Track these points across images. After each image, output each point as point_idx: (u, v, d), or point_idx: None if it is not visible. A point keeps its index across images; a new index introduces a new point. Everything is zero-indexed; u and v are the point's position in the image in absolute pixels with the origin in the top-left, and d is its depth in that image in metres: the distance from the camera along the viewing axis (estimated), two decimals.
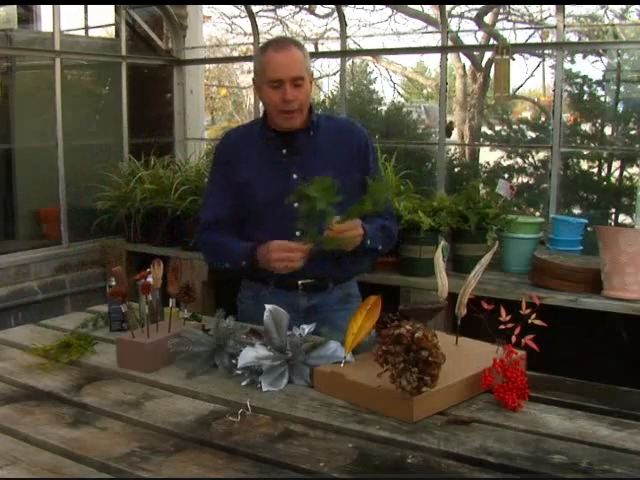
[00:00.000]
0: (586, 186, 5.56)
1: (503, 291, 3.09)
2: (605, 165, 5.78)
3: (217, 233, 2.13)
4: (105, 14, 5.22)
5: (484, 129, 7.75)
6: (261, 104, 2.19)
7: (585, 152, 5.80)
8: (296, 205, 2.06)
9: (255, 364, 1.59)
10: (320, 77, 9.61)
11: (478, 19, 7.57)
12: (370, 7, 8.41)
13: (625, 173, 5.65)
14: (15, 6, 5.09)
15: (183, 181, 4.09)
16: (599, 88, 6.03)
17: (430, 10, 7.35)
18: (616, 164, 5.69)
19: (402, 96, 10.29)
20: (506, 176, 5.91)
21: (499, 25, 8.07)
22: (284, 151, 2.10)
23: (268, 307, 1.66)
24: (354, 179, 2.12)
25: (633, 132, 5.76)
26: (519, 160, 6.15)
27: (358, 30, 8.71)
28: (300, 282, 2.10)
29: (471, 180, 4.67)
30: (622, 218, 5.40)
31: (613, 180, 5.71)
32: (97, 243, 4.44)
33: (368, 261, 2.80)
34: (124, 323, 1.97)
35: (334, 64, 8.67)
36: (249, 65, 7.76)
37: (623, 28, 6.28)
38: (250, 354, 1.60)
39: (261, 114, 2.22)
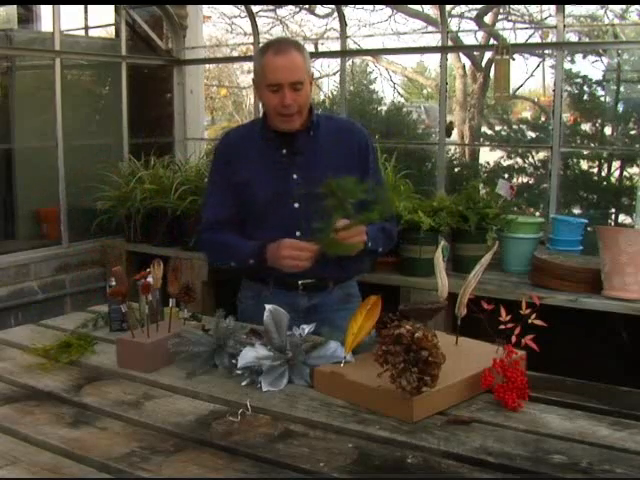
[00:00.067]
0: (586, 186, 5.57)
1: (503, 291, 3.09)
2: (605, 165, 5.78)
3: (219, 233, 2.13)
4: (105, 14, 5.21)
5: (484, 129, 7.75)
6: (261, 104, 2.19)
7: (585, 152, 5.80)
8: (296, 205, 2.08)
9: (255, 364, 1.59)
10: (320, 77, 9.62)
11: (478, 19, 7.57)
12: (370, 7, 8.42)
13: (625, 173, 5.65)
14: (15, 6, 5.09)
15: (183, 181, 4.09)
16: (599, 88, 6.03)
17: (430, 10, 7.35)
18: (616, 164, 5.69)
19: (402, 96, 10.29)
20: (506, 176, 5.91)
21: (499, 25, 8.08)
22: (284, 151, 2.10)
23: (268, 307, 1.66)
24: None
25: (633, 132, 5.76)
26: (519, 160, 6.15)
27: (358, 30, 8.73)
28: (300, 282, 2.10)
29: (471, 180, 4.67)
30: (622, 218, 5.40)
31: (613, 180, 5.71)
32: (97, 243, 4.45)
33: (368, 261, 2.81)
34: (124, 323, 1.97)
35: (334, 64, 8.69)
36: (249, 65, 7.76)
37: (623, 28, 6.28)
38: (250, 354, 1.60)
39: (261, 114, 2.22)
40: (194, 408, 1.49)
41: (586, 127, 5.99)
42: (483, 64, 7.95)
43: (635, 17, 6.72)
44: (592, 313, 2.94)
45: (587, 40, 6.30)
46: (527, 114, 9.06)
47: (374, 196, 1.84)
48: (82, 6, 5.31)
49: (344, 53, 4.47)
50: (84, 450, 1.28)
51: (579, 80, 5.88)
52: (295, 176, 2.08)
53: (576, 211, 5.42)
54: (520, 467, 1.21)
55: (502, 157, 6.33)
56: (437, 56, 4.23)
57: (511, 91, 4.71)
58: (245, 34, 9.47)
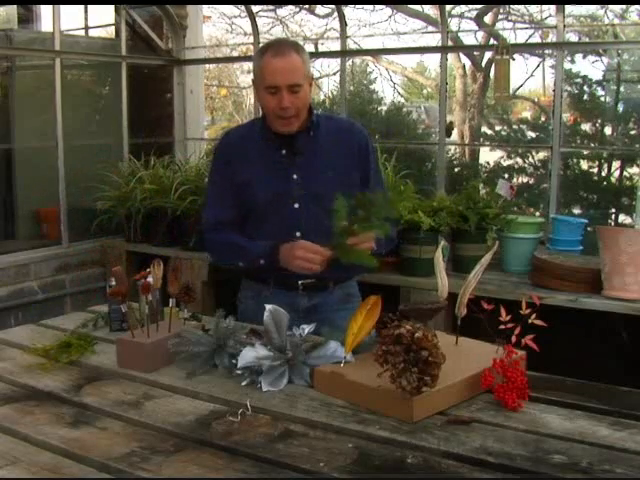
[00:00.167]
0: (586, 186, 5.57)
1: (503, 291, 3.09)
2: (605, 165, 5.78)
3: (224, 233, 2.12)
4: (105, 14, 5.21)
5: (484, 129, 7.76)
6: (260, 105, 2.18)
7: (585, 152, 5.80)
8: (296, 206, 2.08)
9: (255, 364, 1.59)
10: (320, 77, 9.62)
11: (478, 19, 7.58)
12: (370, 7, 8.42)
13: (625, 173, 5.66)
14: (15, 6, 5.09)
15: (183, 181, 4.09)
16: (599, 88, 6.03)
17: (430, 10, 7.35)
18: (616, 164, 5.70)
19: (402, 96, 10.30)
20: (506, 176, 5.92)
21: (499, 25, 8.08)
22: (284, 151, 2.10)
23: (268, 307, 1.66)
24: (354, 179, 2.12)
25: (633, 132, 5.77)
26: (519, 160, 6.15)
27: (358, 30, 8.72)
28: (300, 282, 2.10)
29: (471, 180, 4.67)
30: (622, 218, 5.40)
31: (613, 180, 5.72)
32: (97, 243, 4.44)
33: None
34: (124, 323, 1.97)
35: (334, 64, 8.69)
36: (249, 65, 7.75)
37: (623, 28, 6.29)
38: (250, 354, 1.60)
39: (260, 113, 2.22)
40: (194, 408, 1.49)
41: (586, 127, 6.00)
42: (483, 64, 7.95)
43: (635, 17, 6.72)
44: (592, 313, 2.94)
45: (587, 40, 6.30)
46: (527, 114, 9.07)
47: (382, 203, 1.83)
48: (82, 6, 5.31)
49: (344, 53, 4.47)
50: (84, 450, 1.28)
51: (579, 80, 5.88)
52: (295, 176, 2.08)
53: (576, 211, 5.42)
54: (520, 467, 1.21)
55: (502, 157, 6.34)
56: (437, 56, 4.23)
57: (511, 91, 4.71)
58: (245, 34, 9.48)
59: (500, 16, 8.01)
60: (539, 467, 1.21)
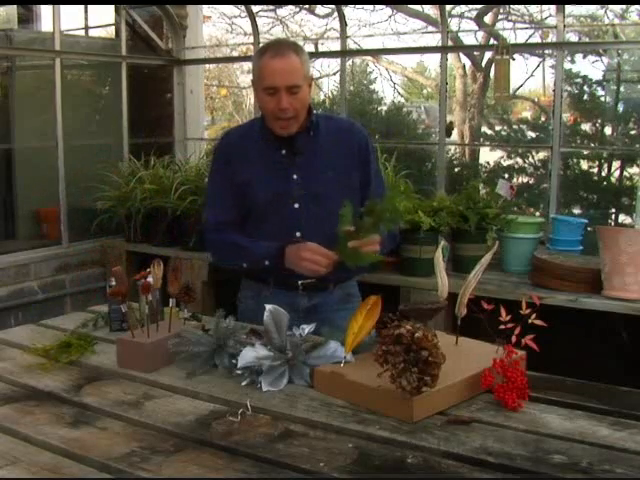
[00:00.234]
0: (586, 186, 5.57)
1: (503, 291, 3.09)
2: (605, 165, 5.78)
3: (225, 233, 2.11)
4: (105, 14, 5.22)
5: (484, 129, 7.76)
6: (259, 106, 2.18)
7: (585, 152, 5.80)
8: (296, 206, 2.08)
9: (255, 364, 1.59)
10: (320, 77, 9.63)
11: (478, 19, 7.58)
12: (370, 7, 8.42)
13: (625, 173, 5.66)
14: (15, 6, 5.09)
15: (183, 181, 4.09)
16: (599, 88, 6.03)
17: (430, 10, 7.35)
18: (616, 164, 5.70)
19: (402, 96, 10.30)
20: (506, 176, 5.92)
21: (499, 25, 8.08)
22: (284, 151, 2.10)
23: (268, 307, 1.66)
24: (354, 179, 2.12)
25: (633, 132, 5.77)
26: (519, 160, 6.15)
27: (358, 30, 8.72)
28: (300, 282, 2.10)
29: (471, 180, 4.67)
30: (622, 218, 5.40)
31: (613, 180, 5.72)
32: (97, 243, 4.45)
33: None
34: (124, 323, 1.97)
35: (334, 64, 8.70)
36: (249, 65, 7.75)
37: (623, 28, 6.29)
38: (250, 354, 1.60)
39: (260, 113, 2.21)
40: (194, 408, 1.49)
41: (586, 127, 6.00)
42: (483, 64, 7.95)
43: (635, 17, 6.72)
44: (592, 313, 2.94)
45: (587, 40, 6.30)
46: (527, 114, 9.07)
47: (384, 204, 1.84)
48: (82, 6, 5.31)
49: (344, 53, 4.47)
50: (84, 450, 1.28)
51: (579, 80, 5.89)
52: (295, 176, 2.08)
53: (576, 211, 5.42)
54: (520, 467, 1.21)
55: (502, 157, 6.34)
56: (437, 56, 4.23)
57: (511, 91, 4.71)
58: (245, 34, 9.48)
59: (500, 16, 8.01)
60: (539, 467, 1.21)
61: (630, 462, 1.22)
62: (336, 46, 4.58)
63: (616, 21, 6.97)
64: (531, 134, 6.48)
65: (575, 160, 5.60)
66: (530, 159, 6.13)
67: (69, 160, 4.29)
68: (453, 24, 7.53)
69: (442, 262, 1.77)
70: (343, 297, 2.19)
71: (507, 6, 7.66)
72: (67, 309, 4.11)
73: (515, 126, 6.71)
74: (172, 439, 1.34)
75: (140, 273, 1.86)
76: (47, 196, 4.43)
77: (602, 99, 6.10)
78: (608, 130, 5.99)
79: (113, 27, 5.16)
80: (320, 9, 8.66)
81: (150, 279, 1.81)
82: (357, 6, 7.81)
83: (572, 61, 5.91)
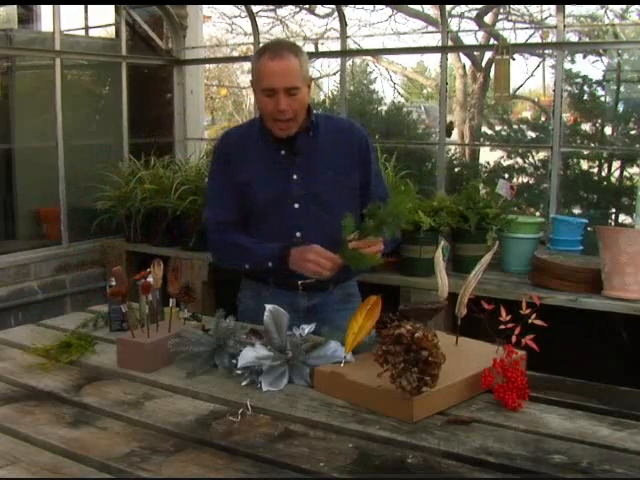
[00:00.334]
0: (586, 186, 5.57)
1: (503, 291, 3.09)
2: (605, 165, 5.78)
3: (227, 234, 2.11)
4: (105, 14, 5.22)
5: (484, 129, 7.76)
6: (257, 107, 2.18)
7: (585, 152, 5.80)
8: (296, 206, 2.08)
9: (255, 364, 1.59)
10: (320, 77, 9.62)
11: (478, 19, 7.58)
12: (370, 7, 8.41)
13: (625, 173, 5.66)
14: (15, 6, 5.09)
15: (183, 181, 4.09)
16: (599, 88, 6.03)
17: (430, 10, 7.35)
18: (616, 164, 5.70)
19: (402, 96, 10.30)
20: (506, 176, 5.91)
21: (499, 25, 8.08)
22: (283, 152, 2.09)
23: (268, 307, 1.66)
24: (354, 179, 2.12)
25: (633, 132, 5.77)
26: (519, 160, 6.15)
27: (358, 30, 8.73)
28: (300, 282, 2.10)
29: (471, 180, 4.67)
30: (622, 218, 5.40)
31: (613, 180, 5.72)
32: (97, 243, 4.45)
33: None
34: (124, 323, 1.97)
35: (334, 64, 8.69)
36: (249, 65, 7.75)
37: (623, 28, 6.29)
38: (250, 354, 1.60)
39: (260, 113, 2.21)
40: (194, 408, 1.49)
41: (586, 127, 6.00)
42: (483, 64, 7.95)
43: (635, 17, 6.72)
44: (592, 313, 2.94)
45: (587, 40, 6.30)
46: (527, 114, 9.07)
47: (388, 208, 1.83)
48: (82, 6, 5.32)
49: (344, 53, 4.47)
50: (84, 450, 1.28)
51: (579, 80, 5.88)
52: (295, 176, 2.08)
53: (576, 211, 5.42)
54: (520, 467, 1.21)
55: (502, 157, 6.33)
56: (437, 56, 4.23)
57: (511, 91, 4.71)
58: (245, 34, 9.47)
59: (500, 16, 8.01)
60: (539, 467, 1.21)
61: (630, 462, 1.22)
62: (336, 46, 4.58)
63: (616, 21, 6.97)
64: (531, 134, 6.47)
65: (575, 160, 5.60)
66: (530, 159, 6.12)
67: (69, 160, 4.29)
68: (453, 24, 7.54)
69: (442, 262, 1.77)
70: (343, 297, 2.19)
71: (507, 6, 7.66)
72: (67, 309, 4.11)
73: (515, 126, 6.71)
74: (172, 439, 1.34)
75: (140, 273, 1.86)
76: (47, 196, 4.44)
77: (602, 99, 6.10)
78: (608, 130, 5.99)
79: (113, 27, 5.16)
80: (320, 9, 8.66)
81: (150, 279, 1.81)
82: (357, 6, 7.81)
83: (572, 61, 5.91)
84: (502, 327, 1.58)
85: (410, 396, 1.38)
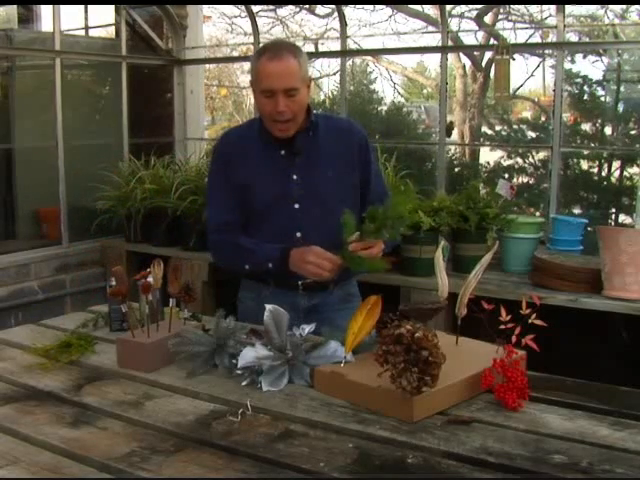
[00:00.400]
0: (586, 186, 5.56)
1: (503, 291, 3.09)
2: (605, 165, 5.77)
3: (228, 234, 2.10)
4: (105, 14, 5.22)
5: (484, 129, 7.75)
6: (257, 108, 2.18)
7: (585, 152, 5.80)
8: (296, 206, 2.08)
9: (255, 364, 1.59)
10: (320, 77, 9.62)
11: (478, 19, 7.57)
12: (370, 7, 8.41)
13: (625, 173, 5.65)
14: (15, 6, 5.10)
15: (183, 181, 4.09)
16: (599, 88, 6.02)
17: (430, 10, 7.35)
18: (616, 164, 5.69)
19: (402, 96, 10.30)
20: (506, 176, 5.91)
21: (499, 25, 8.07)
22: (283, 152, 2.09)
23: (268, 307, 1.66)
24: (354, 179, 2.12)
25: (633, 132, 5.76)
26: (519, 160, 6.14)
27: (358, 30, 8.72)
28: (300, 282, 2.10)
29: (471, 180, 4.67)
30: (622, 218, 5.40)
31: (613, 180, 5.71)
32: (97, 243, 4.45)
33: None
34: (124, 323, 1.97)
35: (334, 64, 8.69)
36: (249, 65, 7.75)
37: (623, 28, 6.29)
38: (250, 354, 1.60)
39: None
40: (194, 408, 1.49)
41: (586, 127, 5.99)
42: (483, 64, 7.95)
43: (635, 17, 6.72)
44: (592, 313, 2.94)
45: (587, 40, 6.30)
46: (527, 114, 9.07)
47: (388, 210, 1.83)
48: (82, 6, 5.32)
49: (344, 53, 4.48)
50: (84, 450, 1.28)
51: (579, 80, 5.88)
52: (295, 176, 2.08)
53: (576, 211, 5.42)
54: (520, 467, 1.21)
55: (502, 157, 6.33)
56: (437, 56, 4.23)
57: (511, 91, 4.71)
58: (245, 34, 9.47)
59: (500, 16, 8.00)
60: (539, 467, 1.21)
61: (630, 462, 1.22)
62: (336, 46, 4.58)
63: (616, 21, 6.97)
64: (531, 134, 6.47)
65: (575, 160, 5.59)
66: (530, 159, 6.12)
67: (69, 160, 4.29)
68: (453, 24, 7.53)
69: (442, 262, 1.77)
70: (343, 297, 2.19)
71: (507, 6, 7.66)
72: (67, 309, 4.11)
73: (515, 126, 6.70)
74: (172, 439, 1.34)
75: (140, 273, 1.86)
76: (47, 196, 4.44)
77: (602, 99, 6.09)
78: (608, 130, 5.98)
79: (113, 27, 5.16)
80: (320, 9, 8.66)
81: (150, 279, 1.81)
82: (357, 6, 7.81)
83: (572, 61, 5.90)
84: (502, 327, 1.58)
85: (410, 396, 1.38)
